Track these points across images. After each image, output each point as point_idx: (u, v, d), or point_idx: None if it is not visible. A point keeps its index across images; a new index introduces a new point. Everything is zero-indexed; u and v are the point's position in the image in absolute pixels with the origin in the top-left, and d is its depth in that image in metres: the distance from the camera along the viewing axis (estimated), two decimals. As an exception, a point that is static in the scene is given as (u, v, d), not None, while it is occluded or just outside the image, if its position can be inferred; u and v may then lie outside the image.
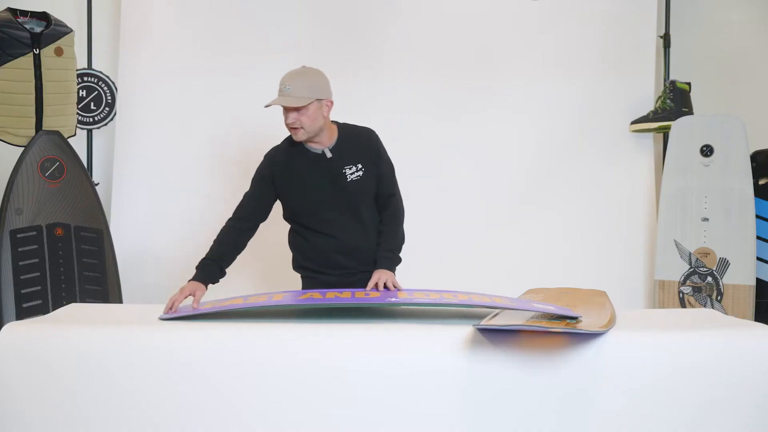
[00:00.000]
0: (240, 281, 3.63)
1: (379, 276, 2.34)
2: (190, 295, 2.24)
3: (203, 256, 2.42)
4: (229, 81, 3.78)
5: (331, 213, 2.49)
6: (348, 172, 2.49)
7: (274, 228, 3.86)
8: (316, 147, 2.51)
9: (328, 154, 2.50)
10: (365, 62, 3.72)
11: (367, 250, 2.50)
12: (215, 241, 2.48)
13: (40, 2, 3.38)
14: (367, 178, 2.52)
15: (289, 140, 2.58)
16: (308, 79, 2.44)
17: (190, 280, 2.31)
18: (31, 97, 3.08)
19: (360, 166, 2.50)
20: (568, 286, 2.56)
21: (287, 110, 2.42)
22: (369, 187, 2.53)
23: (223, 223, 2.56)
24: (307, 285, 2.59)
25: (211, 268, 2.38)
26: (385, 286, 2.31)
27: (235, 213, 2.55)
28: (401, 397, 1.81)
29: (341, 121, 2.61)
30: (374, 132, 2.61)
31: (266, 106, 2.47)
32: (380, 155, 2.57)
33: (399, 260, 2.52)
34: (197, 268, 2.38)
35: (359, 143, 2.55)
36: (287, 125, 2.44)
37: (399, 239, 2.56)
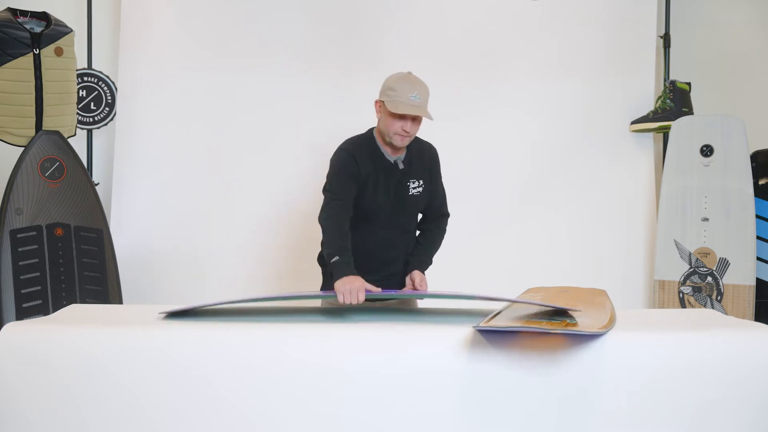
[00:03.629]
0: (241, 282, 3.63)
1: (420, 277, 2.46)
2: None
3: (334, 255, 2.31)
4: (229, 81, 3.78)
5: (383, 220, 2.50)
6: (411, 185, 2.52)
7: (278, 230, 3.88)
8: (391, 155, 2.50)
9: (401, 165, 2.51)
10: (365, 63, 3.72)
11: (398, 259, 2.54)
12: (333, 226, 2.37)
13: (40, 2, 3.38)
14: (424, 194, 2.56)
15: (362, 141, 2.53)
16: (427, 91, 2.45)
17: (344, 277, 2.21)
18: (31, 97, 3.08)
19: (421, 182, 2.54)
20: (568, 285, 2.55)
21: (405, 118, 2.39)
22: (422, 202, 2.58)
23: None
24: (327, 281, 2.57)
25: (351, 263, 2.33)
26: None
27: (331, 194, 2.43)
28: (401, 398, 1.81)
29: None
30: (436, 149, 2.65)
31: (401, 116, 2.38)
32: (438, 173, 2.63)
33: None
34: (340, 261, 2.27)
35: (424, 158, 2.58)
36: (400, 131, 2.40)
37: (432, 250, 2.64)
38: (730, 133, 3.43)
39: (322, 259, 2.60)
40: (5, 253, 2.94)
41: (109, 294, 3.17)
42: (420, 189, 2.54)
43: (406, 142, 2.46)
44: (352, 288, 2.16)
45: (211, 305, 2.12)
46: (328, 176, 2.48)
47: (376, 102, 2.49)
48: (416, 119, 2.43)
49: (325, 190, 2.47)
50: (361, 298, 2.16)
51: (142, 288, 3.58)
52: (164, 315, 2.07)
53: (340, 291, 2.17)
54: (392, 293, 2.34)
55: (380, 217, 2.50)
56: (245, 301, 2.18)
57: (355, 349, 1.87)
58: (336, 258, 2.27)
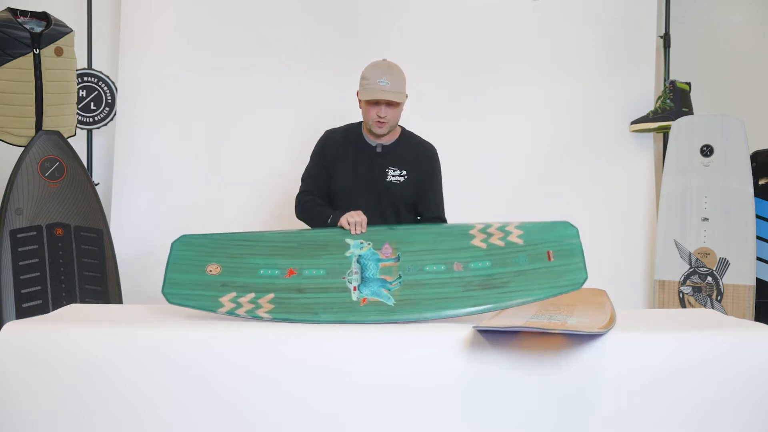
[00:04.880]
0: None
1: None
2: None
3: (317, 215, 2.50)
4: (230, 81, 3.78)
5: (356, 203, 2.48)
6: (391, 172, 2.56)
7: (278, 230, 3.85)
8: (372, 140, 2.58)
9: (379, 150, 2.57)
10: (365, 63, 3.70)
11: None
12: (312, 206, 2.55)
13: (40, 2, 3.38)
14: (406, 186, 2.57)
15: (347, 126, 2.66)
16: (400, 75, 2.53)
17: (339, 221, 2.33)
18: (31, 97, 3.08)
19: (404, 172, 2.56)
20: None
21: (379, 104, 2.47)
22: (404, 194, 2.58)
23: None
24: None
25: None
26: None
27: (301, 188, 2.66)
28: (401, 398, 1.81)
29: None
30: (436, 151, 2.67)
31: (368, 100, 2.49)
32: (432, 173, 2.63)
33: None
34: (331, 215, 2.41)
35: (415, 152, 2.62)
36: (376, 118, 2.49)
37: None
38: (730, 133, 3.43)
39: None
40: (5, 253, 2.94)
41: (109, 294, 3.17)
42: (401, 178, 2.55)
43: (385, 128, 2.52)
44: (356, 218, 2.27)
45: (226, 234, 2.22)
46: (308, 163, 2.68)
47: (357, 93, 2.59)
48: (391, 105, 2.47)
49: (302, 178, 2.67)
50: (363, 216, 2.27)
51: (142, 288, 3.58)
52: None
53: (346, 220, 2.27)
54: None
55: (355, 200, 2.50)
56: (254, 234, 2.23)
57: (355, 349, 1.87)
58: (331, 216, 2.39)
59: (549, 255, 2.17)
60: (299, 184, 2.69)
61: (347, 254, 2.18)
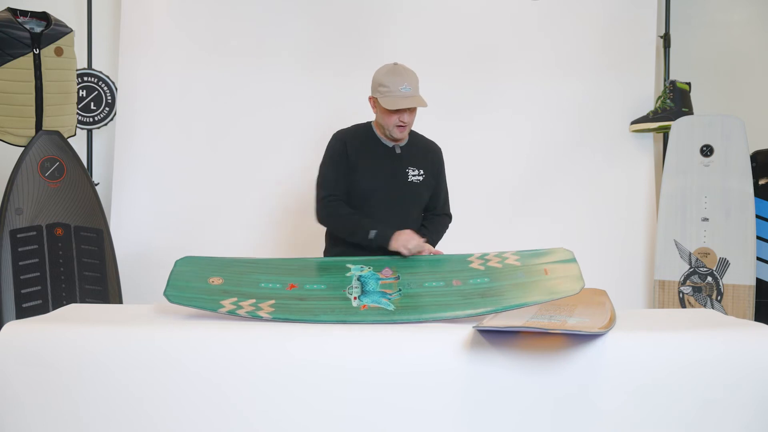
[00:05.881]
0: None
1: (430, 249, 2.45)
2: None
3: (360, 225, 2.48)
4: (229, 80, 3.78)
5: (381, 204, 2.54)
6: (411, 172, 2.58)
7: (278, 230, 3.87)
8: (388, 141, 2.59)
9: (398, 151, 2.58)
10: (365, 63, 3.70)
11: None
12: (345, 216, 2.50)
13: (40, 2, 3.38)
14: (425, 186, 2.60)
15: (355, 127, 2.65)
16: (415, 77, 2.53)
17: (392, 245, 2.37)
18: (31, 97, 3.08)
19: (422, 171, 2.59)
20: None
21: (401, 111, 2.47)
22: (423, 193, 2.61)
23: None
24: None
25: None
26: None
27: (323, 192, 2.55)
28: (401, 397, 1.81)
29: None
30: (441, 149, 2.72)
31: (396, 110, 2.47)
32: (442, 172, 2.69)
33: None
34: (379, 230, 2.42)
35: (427, 152, 2.65)
36: (398, 123, 2.50)
37: (437, 238, 2.65)
38: (730, 133, 3.44)
39: (326, 253, 2.64)
40: (5, 253, 2.94)
41: (109, 294, 3.17)
42: (420, 178, 2.58)
43: (406, 132, 2.55)
44: (410, 239, 2.34)
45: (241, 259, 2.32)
46: (321, 167, 2.58)
47: (370, 98, 2.57)
48: (411, 108, 2.47)
49: (318, 185, 2.57)
50: (419, 240, 2.35)
51: (142, 288, 3.58)
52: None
53: (401, 246, 2.34)
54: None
55: (376, 201, 2.53)
56: (256, 259, 2.33)
57: (356, 349, 1.87)
58: (373, 232, 2.41)
59: (546, 271, 2.23)
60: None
61: (348, 275, 2.26)
